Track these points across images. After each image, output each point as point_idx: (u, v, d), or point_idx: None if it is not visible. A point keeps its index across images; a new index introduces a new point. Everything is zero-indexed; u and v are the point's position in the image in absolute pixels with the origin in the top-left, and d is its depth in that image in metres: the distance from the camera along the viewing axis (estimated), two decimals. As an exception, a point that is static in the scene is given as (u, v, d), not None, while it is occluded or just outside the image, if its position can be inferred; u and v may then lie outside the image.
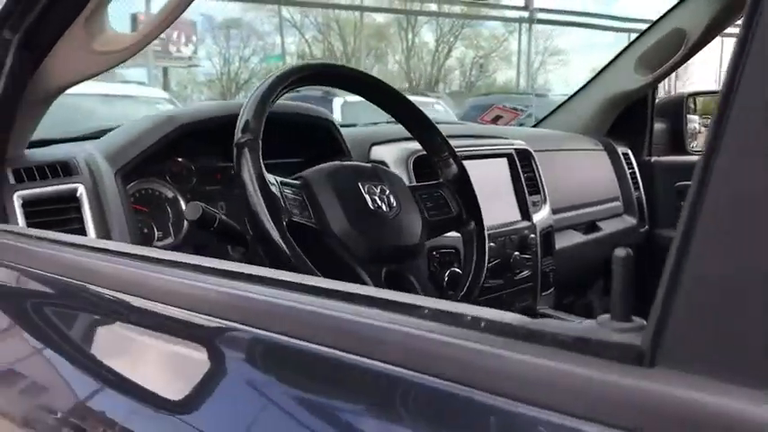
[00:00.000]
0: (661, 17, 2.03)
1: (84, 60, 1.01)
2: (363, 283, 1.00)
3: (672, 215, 2.21)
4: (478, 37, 22.27)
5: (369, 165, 1.14)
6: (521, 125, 2.42)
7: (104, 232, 1.06)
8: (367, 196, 1.05)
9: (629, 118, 2.25)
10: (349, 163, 1.12)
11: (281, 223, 0.92)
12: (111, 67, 1.03)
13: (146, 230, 1.19)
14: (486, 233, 1.19)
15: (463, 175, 1.21)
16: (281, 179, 1.00)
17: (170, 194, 1.24)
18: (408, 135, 1.53)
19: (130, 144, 1.14)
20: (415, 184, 1.18)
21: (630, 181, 2.18)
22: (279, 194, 0.96)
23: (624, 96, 2.17)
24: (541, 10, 12.74)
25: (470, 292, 1.11)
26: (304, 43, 20.71)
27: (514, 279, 1.55)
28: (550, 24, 14.60)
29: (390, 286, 1.01)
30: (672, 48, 2.00)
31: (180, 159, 1.26)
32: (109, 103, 4.55)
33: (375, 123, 1.88)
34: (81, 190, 1.05)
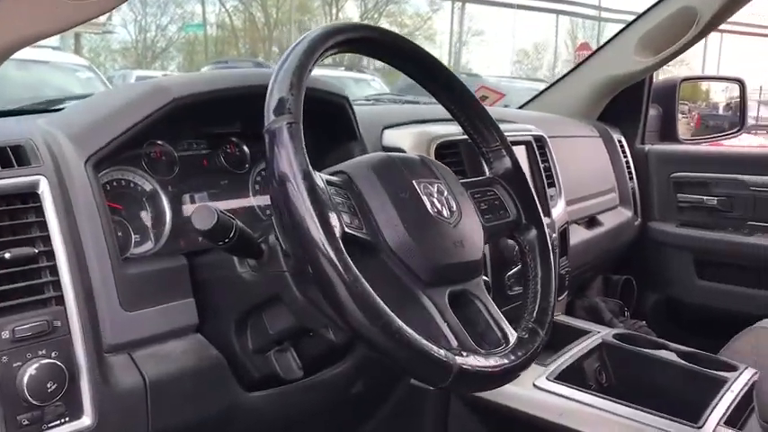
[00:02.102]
0: (667, -6, 1.88)
1: (46, 10, 0.73)
2: (423, 309, 0.78)
3: (666, 207, 2.08)
4: (403, 15, 22.11)
5: (416, 156, 0.91)
6: (505, 107, 2.23)
7: (74, 241, 0.79)
8: (425, 198, 0.82)
9: (622, 102, 2.10)
10: (396, 154, 0.88)
11: (334, 237, 0.69)
12: (83, 23, 0.76)
13: (120, 233, 0.92)
14: (549, 241, 0.98)
15: (518, 171, 1.00)
16: (326, 176, 0.76)
17: (148, 187, 0.97)
18: (424, 117, 1.32)
19: (106, 122, 0.86)
20: (465, 180, 0.96)
21: (625, 170, 2.04)
22: (328, 198, 0.72)
23: (621, 79, 2.02)
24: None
25: (543, 320, 0.90)
26: (224, 13, 19.94)
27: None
28: (482, 5, 14.57)
29: (456, 312, 0.80)
30: (679, 28, 1.85)
31: (159, 143, 0.99)
32: (23, 69, 4.09)
33: (377, 100, 1.65)
34: (43, 185, 0.78)
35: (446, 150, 1.22)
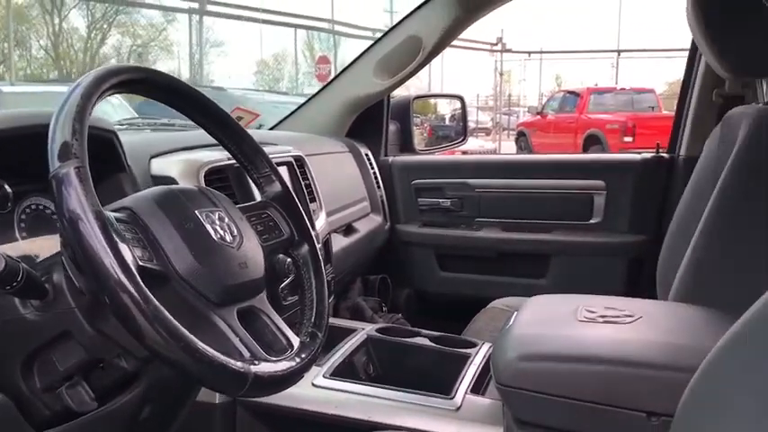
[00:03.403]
0: (396, 25, 2.12)
1: None
2: (218, 330, 0.86)
3: (409, 211, 2.34)
4: (135, 25, 21.23)
5: (194, 187, 0.98)
6: (260, 127, 2.33)
7: None
8: (208, 226, 0.90)
9: (366, 120, 2.32)
10: (176, 187, 0.94)
11: (130, 270, 0.74)
12: None
13: None
14: (319, 254, 1.11)
15: (287, 193, 1.11)
16: (112, 213, 0.81)
17: None
18: (190, 144, 1.38)
19: None
20: (241, 204, 1.04)
21: (374, 180, 2.25)
22: (119, 233, 0.77)
23: (364, 99, 2.22)
24: (212, 3, 12.58)
25: (320, 323, 1.02)
26: None
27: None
28: (220, 17, 14.52)
29: (245, 326, 0.89)
30: (409, 54, 2.10)
31: None
32: None
33: (130, 124, 1.64)
34: None
35: (215, 176, 1.29)
